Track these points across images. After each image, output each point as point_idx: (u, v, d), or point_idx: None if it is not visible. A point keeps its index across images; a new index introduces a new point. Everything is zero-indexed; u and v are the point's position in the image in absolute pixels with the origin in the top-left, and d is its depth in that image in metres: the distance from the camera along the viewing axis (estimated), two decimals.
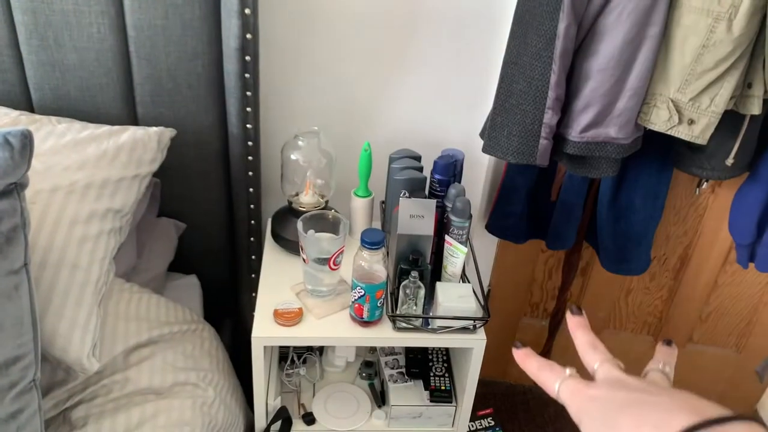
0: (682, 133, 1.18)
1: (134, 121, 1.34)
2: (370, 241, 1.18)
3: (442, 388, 1.40)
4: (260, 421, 1.34)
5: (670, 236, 1.69)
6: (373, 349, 1.57)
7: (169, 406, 1.11)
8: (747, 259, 1.45)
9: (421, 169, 1.36)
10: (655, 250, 1.70)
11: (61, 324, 1.00)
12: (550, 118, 1.19)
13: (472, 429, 1.83)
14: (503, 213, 1.58)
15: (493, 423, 1.85)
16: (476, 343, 1.26)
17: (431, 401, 1.39)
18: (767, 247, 1.40)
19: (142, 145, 1.21)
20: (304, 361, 1.51)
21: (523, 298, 1.86)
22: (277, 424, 1.35)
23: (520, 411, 1.94)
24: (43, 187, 1.05)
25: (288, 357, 1.50)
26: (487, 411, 1.87)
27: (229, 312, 1.64)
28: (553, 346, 1.82)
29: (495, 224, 1.61)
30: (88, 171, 1.11)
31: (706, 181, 1.54)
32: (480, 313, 1.26)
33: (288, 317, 1.24)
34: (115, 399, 1.09)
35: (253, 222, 1.48)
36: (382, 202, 1.49)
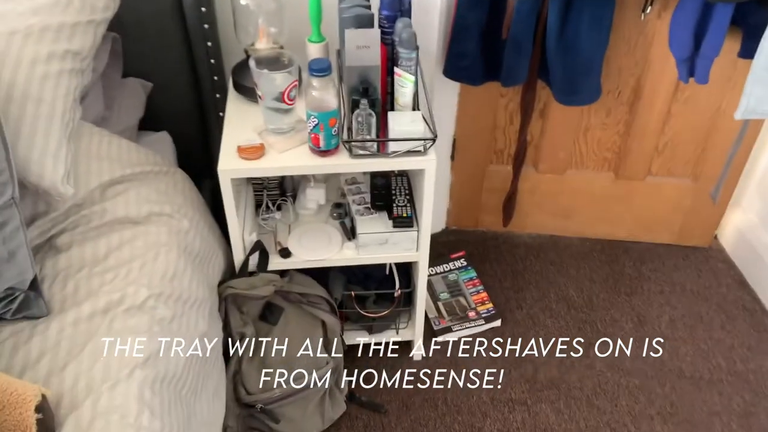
0: None
1: None
2: (318, 68, 1.26)
3: (404, 215, 1.51)
4: (238, 254, 1.46)
5: (622, 68, 1.75)
6: (343, 193, 1.67)
7: (146, 231, 1.22)
8: (687, 74, 1.51)
9: (369, 8, 1.41)
10: (608, 83, 1.76)
11: (33, 152, 1.10)
12: None
13: (446, 269, 1.96)
14: (458, 53, 1.63)
15: (465, 263, 1.97)
16: (428, 164, 1.36)
17: (394, 227, 1.50)
18: (704, 59, 1.46)
19: None
20: (279, 208, 1.62)
21: (488, 146, 1.94)
22: (255, 257, 1.47)
23: (492, 253, 2.05)
24: (1, 30, 1.12)
25: (263, 203, 1.61)
26: (460, 253, 1.99)
27: (206, 175, 1.73)
28: (518, 188, 1.91)
29: (451, 66, 1.67)
30: (43, 16, 1.17)
31: (651, 3, 1.58)
32: (429, 136, 1.35)
33: (251, 152, 1.33)
34: (96, 227, 1.20)
35: (216, 78, 1.55)
36: (339, 50, 1.55)
